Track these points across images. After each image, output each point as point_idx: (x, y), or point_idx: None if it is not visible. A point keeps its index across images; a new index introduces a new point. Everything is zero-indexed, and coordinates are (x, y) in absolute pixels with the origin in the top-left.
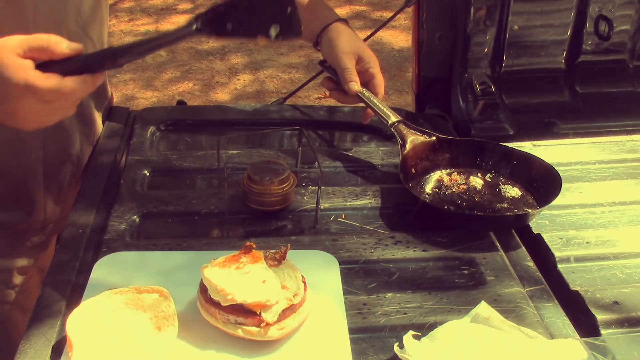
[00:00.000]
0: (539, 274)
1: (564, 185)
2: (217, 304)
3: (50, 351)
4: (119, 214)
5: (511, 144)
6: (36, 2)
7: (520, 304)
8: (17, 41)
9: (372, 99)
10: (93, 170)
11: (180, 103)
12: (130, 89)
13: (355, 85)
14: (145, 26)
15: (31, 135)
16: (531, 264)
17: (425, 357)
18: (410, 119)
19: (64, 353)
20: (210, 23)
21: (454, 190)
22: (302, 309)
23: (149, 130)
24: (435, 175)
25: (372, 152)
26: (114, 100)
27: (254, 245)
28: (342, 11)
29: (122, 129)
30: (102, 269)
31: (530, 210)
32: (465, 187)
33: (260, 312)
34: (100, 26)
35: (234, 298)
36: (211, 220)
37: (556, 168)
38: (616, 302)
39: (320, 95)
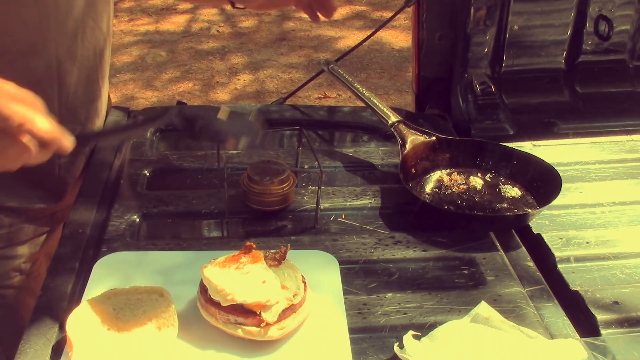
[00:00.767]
0: (539, 274)
1: (564, 185)
2: (217, 304)
3: (50, 351)
4: (119, 214)
5: (511, 144)
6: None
7: (520, 304)
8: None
9: (372, 98)
10: (93, 170)
11: (180, 104)
12: (130, 89)
13: None
14: (145, 26)
15: None
16: (531, 264)
17: (425, 357)
18: (410, 119)
19: (64, 353)
20: (185, 119)
21: (454, 190)
22: (302, 309)
23: (149, 130)
24: (435, 175)
25: (372, 152)
26: (114, 101)
27: (254, 246)
28: (342, 11)
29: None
30: (102, 269)
31: (530, 210)
32: (465, 187)
33: (260, 312)
34: (108, 19)
35: (234, 298)
36: (211, 220)
37: (556, 168)
38: (616, 302)
39: (320, 95)
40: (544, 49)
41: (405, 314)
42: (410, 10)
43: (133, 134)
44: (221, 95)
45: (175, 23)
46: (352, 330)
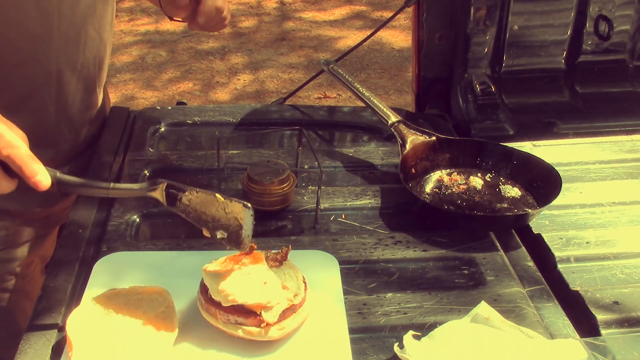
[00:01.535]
0: (539, 274)
1: (564, 185)
2: (217, 304)
3: (50, 351)
4: (119, 214)
5: (511, 144)
6: (60, 8)
7: (520, 304)
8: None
9: (372, 98)
10: (93, 170)
11: (180, 103)
12: (130, 89)
13: None
14: (145, 26)
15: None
16: (531, 264)
17: (425, 357)
18: (410, 119)
19: (64, 353)
20: (169, 195)
21: (454, 190)
22: (303, 309)
23: (149, 130)
24: (435, 175)
25: (372, 152)
26: (114, 101)
27: (255, 246)
28: (342, 11)
29: (122, 129)
30: (102, 269)
31: (530, 210)
32: (465, 187)
33: (260, 313)
34: (110, 28)
35: (235, 299)
36: None
37: (556, 168)
38: (616, 302)
39: (320, 95)
40: (544, 49)
41: (405, 314)
42: (410, 10)
43: (112, 195)
44: (221, 95)
45: (175, 23)
46: (352, 330)
